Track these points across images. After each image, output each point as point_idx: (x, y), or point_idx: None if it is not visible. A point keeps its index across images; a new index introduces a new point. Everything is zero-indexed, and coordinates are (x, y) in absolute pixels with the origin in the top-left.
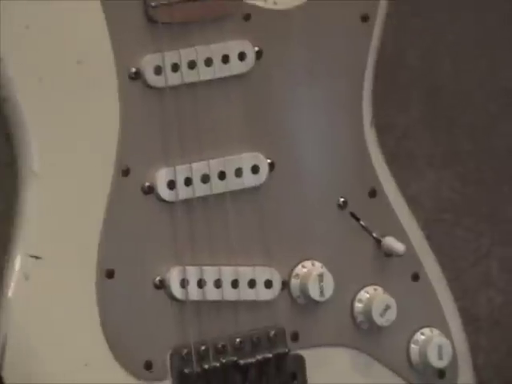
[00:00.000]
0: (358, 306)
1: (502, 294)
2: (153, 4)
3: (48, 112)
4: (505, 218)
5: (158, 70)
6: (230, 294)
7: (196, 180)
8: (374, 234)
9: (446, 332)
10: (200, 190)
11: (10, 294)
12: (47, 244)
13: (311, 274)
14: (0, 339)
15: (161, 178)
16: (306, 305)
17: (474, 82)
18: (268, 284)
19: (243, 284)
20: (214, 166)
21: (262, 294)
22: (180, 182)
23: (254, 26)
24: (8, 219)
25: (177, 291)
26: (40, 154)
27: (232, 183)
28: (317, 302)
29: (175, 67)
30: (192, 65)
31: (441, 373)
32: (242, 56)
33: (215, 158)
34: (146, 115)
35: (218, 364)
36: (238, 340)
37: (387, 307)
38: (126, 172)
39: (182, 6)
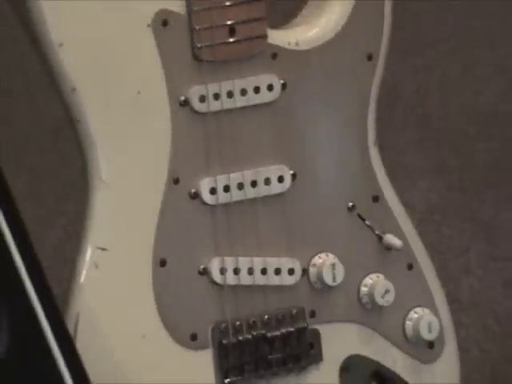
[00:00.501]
0: (364, 289)
1: (479, 281)
2: (198, 46)
3: (113, 132)
4: (482, 219)
5: (203, 99)
6: (259, 279)
7: (233, 187)
8: (377, 232)
9: (434, 311)
10: (236, 195)
11: (82, 279)
12: (112, 238)
13: (325, 263)
14: (74, 317)
15: (204, 185)
16: (321, 288)
17: (457, 109)
18: (291, 272)
19: (270, 271)
20: (247, 176)
21: (286, 279)
22: (220, 188)
23: (280, 63)
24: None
25: (217, 277)
26: (107, 165)
27: (262, 190)
28: (330, 287)
29: (216, 96)
30: (230, 94)
31: (430, 344)
32: (270, 87)
33: (248, 169)
34: (192, 135)
35: (249, 336)
36: (266, 317)
37: (387, 291)
38: (176, 181)
39: (222, 47)
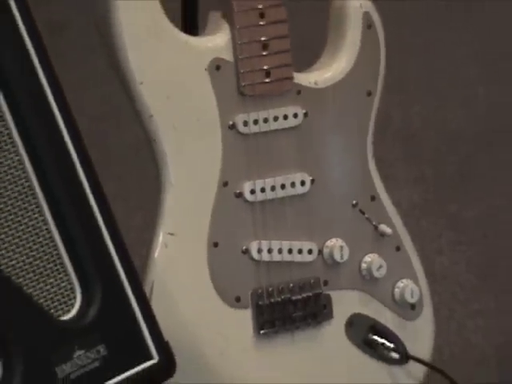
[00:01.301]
0: (363, 265)
1: (448, 260)
2: (242, 84)
3: (179, 148)
4: (451, 214)
5: (245, 124)
6: (286, 257)
7: (267, 189)
8: (374, 223)
9: (415, 281)
10: (269, 195)
11: (155, 255)
12: (178, 226)
13: (335, 245)
14: (149, 284)
15: (246, 187)
16: (332, 264)
17: (432, 132)
18: (310, 251)
19: (295, 251)
20: (278, 180)
21: (306, 257)
22: (258, 190)
23: (303, 98)
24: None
25: (255, 255)
26: (174, 172)
27: (288, 191)
28: (338, 263)
29: (255, 122)
30: (265, 120)
31: (412, 306)
32: (295, 115)
33: (279, 175)
34: (237, 150)
35: (279, 299)
36: (291, 284)
37: (381, 266)
38: (225, 184)
39: (260, 85)
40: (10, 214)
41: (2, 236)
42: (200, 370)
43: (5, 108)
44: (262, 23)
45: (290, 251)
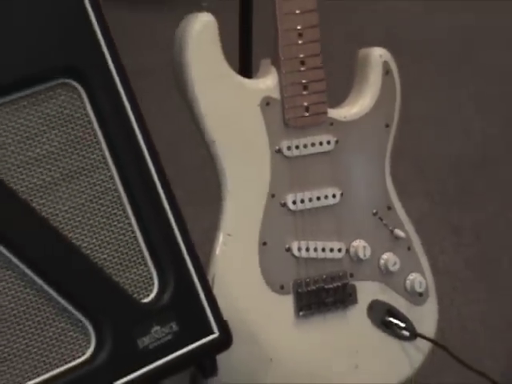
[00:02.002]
0: (381, 261)
1: (450, 259)
2: (287, 117)
3: (235, 165)
4: (453, 222)
5: (289, 148)
6: (321, 254)
7: (306, 200)
8: (390, 228)
9: (423, 275)
10: (308, 205)
11: (216, 252)
12: (234, 228)
13: (360, 245)
14: (211, 276)
15: (289, 199)
16: (356, 260)
17: (437, 156)
18: (339, 250)
19: (327, 250)
20: (314, 193)
21: (336, 255)
22: (298, 201)
23: (335, 128)
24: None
25: (296, 253)
26: (231, 184)
27: (323, 202)
28: (362, 259)
29: (297, 147)
30: (305, 146)
31: (420, 294)
32: (328, 142)
33: (315, 189)
34: (283, 169)
35: (314, 287)
36: (324, 276)
37: (395, 262)
38: (273, 195)
39: (301, 118)
40: (103, 218)
41: (98, 236)
42: (250, 344)
43: (100, 137)
44: (302, 69)
45: (323, 250)
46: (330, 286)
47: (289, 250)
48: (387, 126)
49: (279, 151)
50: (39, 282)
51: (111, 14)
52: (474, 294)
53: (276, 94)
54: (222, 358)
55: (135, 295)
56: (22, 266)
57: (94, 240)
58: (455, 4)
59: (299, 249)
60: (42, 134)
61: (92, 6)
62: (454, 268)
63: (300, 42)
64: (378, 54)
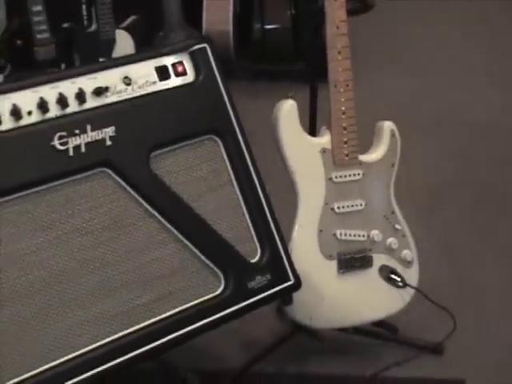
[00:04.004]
0: (387, 242)
1: (422, 243)
2: (335, 159)
3: (305, 184)
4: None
5: (336, 177)
6: (353, 238)
7: (345, 206)
8: (392, 224)
9: (411, 251)
10: (346, 209)
11: (293, 235)
12: (304, 221)
13: (375, 233)
14: (290, 248)
15: (335, 206)
16: (373, 241)
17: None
18: (363, 236)
19: (356, 235)
20: (349, 203)
21: (362, 238)
22: (340, 207)
23: (362, 166)
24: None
25: (338, 236)
26: (302, 195)
27: (354, 208)
28: (376, 241)
29: (341, 177)
30: (345, 176)
31: (409, 262)
32: (358, 174)
33: (349, 200)
34: (332, 188)
35: (349, 256)
36: (354, 250)
37: (395, 243)
38: (326, 203)
39: (343, 160)
40: (228, 210)
41: (224, 219)
42: (311, 288)
43: (230, 169)
44: (344, 132)
45: (354, 235)
46: (358, 255)
47: (334, 235)
48: (392, 165)
49: (330, 179)
50: (190, 245)
51: (234, 97)
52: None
53: (329, 146)
54: (295, 295)
55: (247, 258)
56: (178, 234)
57: (223, 223)
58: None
59: (340, 234)
60: (197, 165)
61: (226, 94)
62: (427, 248)
63: (343, 117)
64: (387, 125)
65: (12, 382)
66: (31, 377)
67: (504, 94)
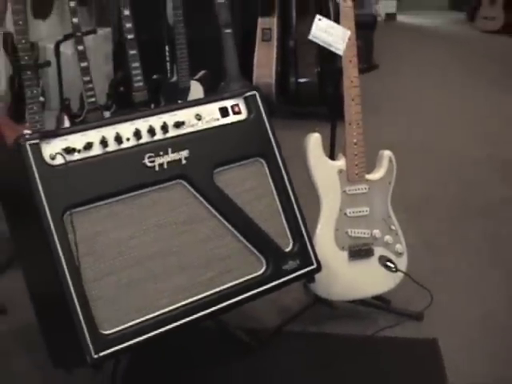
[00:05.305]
0: (385, 239)
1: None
2: (349, 177)
3: (326, 195)
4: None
5: (349, 190)
6: (360, 235)
7: (355, 212)
8: (389, 225)
9: (401, 245)
10: (355, 214)
11: (317, 232)
12: (324, 221)
13: (377, 232)
14: (314, 242)
15: (348, 211)
16: (374, 238)
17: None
18: (368, 234)
19: (362, 233)
20: (358, 209)
21: (367, 236)
22: (352, 212)
23: (368, 183)
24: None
25: (350, 234)
26: (324, 203)
27: (362, 213)
28: (377, 237)
29: (354, 190)
30: (356, 190)
31: (400, 253)
32: (365, 188)
33: (358, 207)
34: (346, 199)
35: (357, 248)
36: (361, 243)
37: (390, 239)
38: (341, 209)
39: (354, 177)
40: (268, 207)
41: (264, 215)
42: (328, 271)
43: (271, 181)
44: (356, 157)
45: (361, 233)
46: (363, 248)
47: (346, 232)
48: (389, 183)
49: (344, 191)
50: (241, 237)
51: (276, 131)
52: (419, 254)
53: (344, 168)
54: (317, 275)
55: (282, 247)
56: (233, 229)
57: (266, 222)
58: None
59: (351, 232)
60: (247, 179)
61: (270, 128)
62: (416, 244)
63: (355, 146)
64: (386, 154)
65: (110, 331)
66: (124, 328)
67: (474, 131)
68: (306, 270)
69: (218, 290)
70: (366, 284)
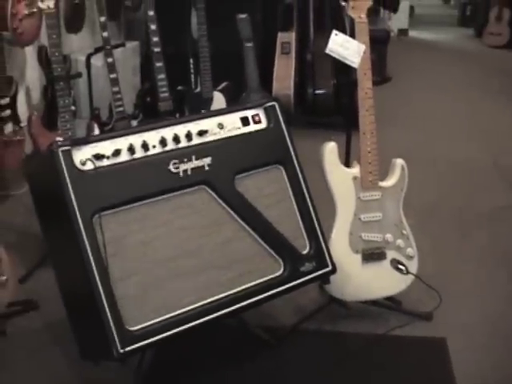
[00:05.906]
0: (397, 243)
1: (423, 240)
2: (363, 184)
3: (341, 200)
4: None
5: (364, 197)
6: (373, 239)
7: (368, 217)
8: (401, 230)
9: (413, 249)
10: (369, 219)
11: (332, 235)
12: (339, 226)
13: (389, 236)
14: (329, 245)
15: (362, 216)
16: (387, 242)
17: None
18: (380, 238)
19: (376, 237)
20: (371, 214)
21: (379, 239)
22: (365, 217)
23: (381, 190)
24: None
25: (363, 238)
26: (339, 208)
27: (375, 218)
28: (389, 242)
29: (367, 196)
30: (369, 196)
31: (411, 257)
32: (378, 195)
33: (372, 213)
34: (360, 204)
35: (371, 252)
36: (374, 247)
37: (402, 243)
38: (355, 215)
39: (368, 186)
40: (285, 210)
41: (282, 219)
42: (342, 274)
43: (288, 186)
44: (370, 165)
45: (374, 237)
46: (376, 251)
47: (360, 236)
48: (401, 189)
49: (359, 197)
50: (260, 240)
51: (294, 139)
52: (428, 257)
53: (358, 175)
54: (332, 277)
55: (299, 250)
56: (252, 232)
57: (284, 225)
58: None
59: (364, 236)
60: (267, 185)
61: (288, 137)
62: (426, 244)
63: (369, 155)
64: (398, 162)
65: (136, 327)
66: (149, 325)
67: (481, 140)
68: (321, 271)
69: (238, 289)
70: (379, 285)
